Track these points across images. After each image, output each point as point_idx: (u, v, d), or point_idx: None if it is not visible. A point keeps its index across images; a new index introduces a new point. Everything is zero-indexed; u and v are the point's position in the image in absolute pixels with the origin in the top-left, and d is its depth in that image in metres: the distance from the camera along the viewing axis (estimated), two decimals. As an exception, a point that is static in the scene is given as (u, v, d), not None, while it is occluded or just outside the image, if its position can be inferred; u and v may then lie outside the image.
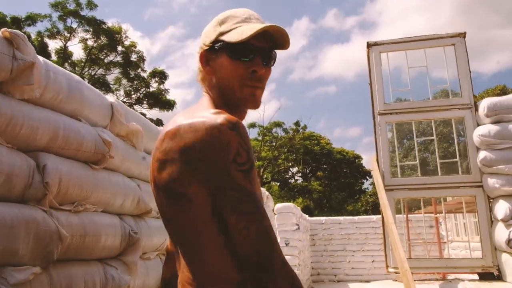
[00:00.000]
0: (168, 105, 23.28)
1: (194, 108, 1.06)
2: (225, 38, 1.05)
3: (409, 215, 5.90)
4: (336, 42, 63.78)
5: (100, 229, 2.35)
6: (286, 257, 0.94)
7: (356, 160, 31.81)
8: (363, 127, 55.86)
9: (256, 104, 1.09)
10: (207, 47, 1.09)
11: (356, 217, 12.40)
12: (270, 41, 1.07)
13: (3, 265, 1.72)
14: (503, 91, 24.37)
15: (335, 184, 30.89)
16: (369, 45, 5.19)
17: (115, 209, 2.62)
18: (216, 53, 1.07)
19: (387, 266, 4.58)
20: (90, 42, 21.90)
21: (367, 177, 31.40)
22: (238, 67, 1.05)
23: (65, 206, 2.14)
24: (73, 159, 2.27)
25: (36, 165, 1.98)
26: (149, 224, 2.99)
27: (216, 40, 1.07)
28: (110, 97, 2.81)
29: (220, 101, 1.09)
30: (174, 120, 1.01)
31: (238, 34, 1.02)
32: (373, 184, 29.60)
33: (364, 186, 31.90)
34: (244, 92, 1.06)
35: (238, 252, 0.93)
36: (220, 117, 0.94)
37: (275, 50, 1.10)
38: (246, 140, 0.95)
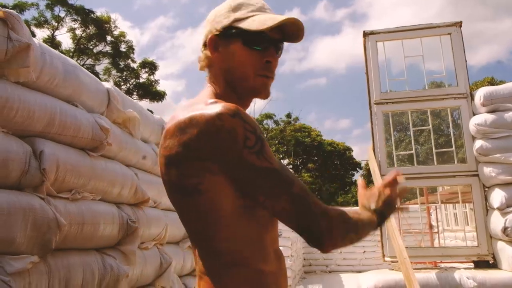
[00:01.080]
0: (158, 96, 23.07)
1: (192, 102, 1.04)
2: (242, 25, 1.02)
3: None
4: (326, 34, 63.78)
5: (99, 218, 2.29)
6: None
7: (347, 152, 31.95)
8: (354, 119, 56.11)
9: (267, 94, 1.09)
10: (217, 32, 1.05)
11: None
12: (282, 32, 1.06)
13: (0, 254, 1.67)
14: (491, 83, 24.58)
15: (325, 176, 31.03)
16: (365, 34, 5.14)
17: (113, 197, 2.56)
18: (227, 39, 1.04)
19: (384, 255, 4.58)
20: (78, 32, 21.53)
21: (357, 169, 31.59)
22: (252, 56, 1.03)
23: (63, 194, 2.08)
24: (70, 146, 2.20)
25: (33, 151, 1.91)
26: (146, 214, 2.93)
27: (230, 26, 1.04)
28: (106, 84, 2.73)
29: (225, 89, 1.07)
30: (173, 116, 0.99)
31: (260, 23, 1.00)
32: (363, 175, 29.79)
33: (355, 178, 32.08)
34: (257, 81, 1.05)
35: (296, 230, 0.95)
36: (218, 107, 0.92)
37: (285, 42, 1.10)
38: (250, 122, 0.93)
